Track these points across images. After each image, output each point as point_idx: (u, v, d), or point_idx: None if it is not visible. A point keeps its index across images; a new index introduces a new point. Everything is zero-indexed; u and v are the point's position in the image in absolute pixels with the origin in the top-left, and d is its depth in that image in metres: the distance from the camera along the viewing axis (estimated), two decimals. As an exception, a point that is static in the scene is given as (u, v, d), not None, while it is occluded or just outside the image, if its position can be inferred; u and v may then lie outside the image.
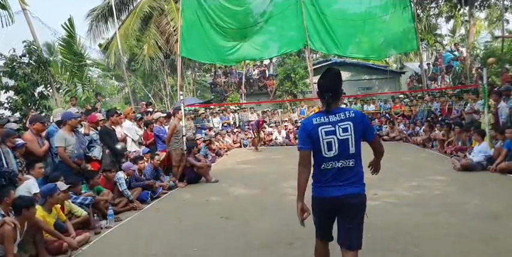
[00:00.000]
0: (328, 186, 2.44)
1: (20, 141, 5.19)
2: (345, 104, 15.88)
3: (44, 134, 5.96)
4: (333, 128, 2.36)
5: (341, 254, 2.51)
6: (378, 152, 2.65)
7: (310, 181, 2.55)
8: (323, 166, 2.42)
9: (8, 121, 5.18)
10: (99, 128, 6.75)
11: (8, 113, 10.07)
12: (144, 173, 6.72)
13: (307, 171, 2.48)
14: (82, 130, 6.44)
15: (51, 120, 7.26)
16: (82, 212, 4.69)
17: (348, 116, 2.38)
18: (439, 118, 11.75)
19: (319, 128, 2.37)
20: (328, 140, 2.36)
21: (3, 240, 3.38)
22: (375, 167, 2.84)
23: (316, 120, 2.40)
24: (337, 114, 2.38)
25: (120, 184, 5.79)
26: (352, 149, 2.38)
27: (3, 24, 10.72)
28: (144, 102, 12.77)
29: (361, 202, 2.48)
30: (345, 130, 2.35)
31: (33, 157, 5.32)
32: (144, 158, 6.93)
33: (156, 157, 7.09)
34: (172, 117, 8.10)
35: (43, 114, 9.67)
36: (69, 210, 4.59)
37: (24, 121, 8.38)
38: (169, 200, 6.48)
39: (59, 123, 6.16)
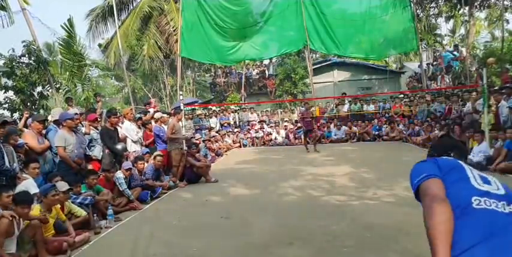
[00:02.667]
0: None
1: (21, 141, 5.19)
2: (344, 104, 15.89)
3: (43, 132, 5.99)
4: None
5: None
6: None
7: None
8: (475, 206, 1.33)
9: (6, 122, 5.19)
10: (99, 128, 6.75)
11: (7, 113, 10.06)
12: (144, 174, 6.72)
13: (446, 208, 1.32)
14: (83, 129, 6.44)
15: (49, 120, 7.25)
16: (82, 212, 4.68)
17: None
18: (441, 118, 11.80)
19: None
20: None
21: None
22: None
23: None
24: None
25: (120, 184, 5.79)
26: None
27: (3, 24, 10.73)
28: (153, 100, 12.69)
29: None
30: None
31: (32, 155, 5.33)
32: (144, 159, 6.93)
33: (159, 157, 7.08)
34: (172, 116, 8.12)
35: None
36: (69, 210, 4.58)
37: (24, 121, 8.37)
38: (169, 200, 6.48)
39: (58, 123, 6.17)
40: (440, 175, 1.48)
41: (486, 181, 1.46)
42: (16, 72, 9.86)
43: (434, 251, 1.22)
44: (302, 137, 12.90)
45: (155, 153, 7.29)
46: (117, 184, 5.81)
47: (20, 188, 4.45)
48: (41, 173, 5.21)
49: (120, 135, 7.28)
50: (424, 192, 1.44)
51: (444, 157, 1.68)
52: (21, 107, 9.72)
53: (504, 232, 1.22)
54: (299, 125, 14.72)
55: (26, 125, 6.49)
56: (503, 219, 1.27)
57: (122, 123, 7.72)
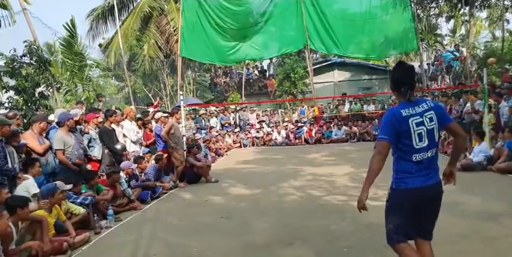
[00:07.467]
0: (420, 175, 2.41)
1: (22, 141, 5.19)
2: (345, 104, 15.89)
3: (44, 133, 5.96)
4: (421, 119, 2.40)
5: (416, 246, 2.55)
6: (460, 136, 2.58)
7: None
8: (415, 157, 2.41)
9: (8, 117, 5.17)
10: (97, 129, 6.72)
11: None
12: (145, 173, 6.73)
13: (383, 163, 2.43)
14: (83, 128, 6.43)
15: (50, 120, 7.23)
16: (80, 210, 4.67)
17: (430, 106, 2.45)
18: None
19: (410, 120, 2.39)
20: (419, 131, 2.39)
21: None
22: (452, 173, 2.67)
23: (406, 112, 2.42)
24: (420, 105, 2.45)
25: (120, 183, 5.78)
26: (436, 138, 2.45)
27: (5, 24, 10.75)
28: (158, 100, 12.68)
29: (442, 191, 2.53)
30: (431, 119, 2.41)
31: (33, 155, 5.32)
32: (145, 158, 6.93)
33: (163, 157, 7.08)
34: (171, 116, 8.13)
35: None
36: (67, 209, 4.57)
37: (26, 121, 8.36)
38: (169, 200, 6.49)
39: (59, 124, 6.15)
40: (393, 138, 2.44)
41: (421, 138, 2.47)
42: (19, 71, 9.83)
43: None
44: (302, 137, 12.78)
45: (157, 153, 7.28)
46: (118, 183, 5.79)
47: (19, 188, 4.46)
48: (43, 173, 5.22)
49: (121, 135, 7.29)
50: (378, 147, 2.50)
51: (400, 117, 2.43)
52: (24, 107, 9.70)
53: None
54: (299, 124, 14.74)
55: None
56: None
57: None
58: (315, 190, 6.35)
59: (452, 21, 24.39)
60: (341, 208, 5.09)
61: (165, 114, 8.55)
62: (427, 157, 2.41)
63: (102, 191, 5.45)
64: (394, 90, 2.58)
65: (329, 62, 20.97)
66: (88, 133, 6.44)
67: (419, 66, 17.47)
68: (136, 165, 6.51)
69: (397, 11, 15.55)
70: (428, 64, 18.80)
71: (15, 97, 9.93)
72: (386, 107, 15.32)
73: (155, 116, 8.74)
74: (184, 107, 9.01)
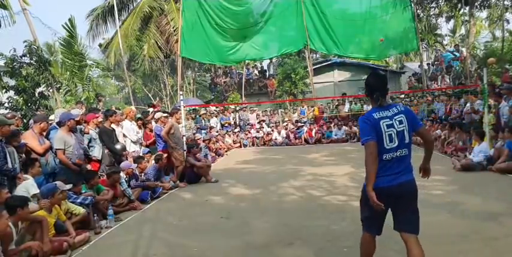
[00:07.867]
0: (388, 175, 2.60)
1: (22, 141, 5.18)
2: (345, 104, 15.90)
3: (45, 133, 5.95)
4: (391, 122, 2.61)
5: (404, 241, 2.73)
6: (427, 140, 2.89)
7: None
8: (385, 156, 2.60)
9: (7, 117, 5.15)
10: (97, 129, 6.72)
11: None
12: (145, 173, 6.73)
13: (377, 162, 2.59)
14: (82, 128, 6.42)
15: (51, 120, 7.23)
16: (80, 210, 4.67)
17: (399, 110, 2.67)
18: (442, 117, 11.78)
19: (381, 122, 2.60)
20: (389, 132, 2.59)
21: None
22: (426, 169, 2.93)
23: (377, 115, 2.63)
24: (390, 109, 2.66)
25: (120, 183, 5.79)
26: (407, 139, 2.64)
27: (5, 24, 10.75)
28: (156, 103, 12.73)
29: (416, 187, 2.73)
30: (400, 122, 2.62)
31: (33, 155, 5.31)
32: (145, 158, 6.93)
33: (163, 157, 7.08)
34: (170, 116, 8.13)
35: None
36: (67, 209, 4.57)
37: (26, 121, 8.36)
38: (169, 200, 6.49)
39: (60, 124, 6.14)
40: (375, 137, 2.58)
41: (391, 139, 2.65)
42: (21, 72, 9.83)
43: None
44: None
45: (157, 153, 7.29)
46: (119, 183, 5.79)
47: (19, 188, 4.46)
48: (43, 173, 5.21)
49: (121, 135, 7.29)
50: (368, 149, 2.60)
51: (373, 119, 2.63)
52: (24, 107, 9.70)
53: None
54: (299, 124, 14.74)
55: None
56: None
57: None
58: (315, 190, 6.35)
59: (452, 21, 24.42)
60: (341, 208, 5.09)
61: (165, 114, 8.54)
62: (396, 156, 2.60)
63: (102, 191, 5.45)
64: (367, 95, 2.81)
65: (329, 62, 20.98)
66: (88, 133, 6.43)
67: (419, 66, 17.49)
68: (136, 165, 6.53)
69: (397, 11, 15.56)
70: (428, 64, 18.81)
71: (15, 97, 9.93)
72: None
73: (155, 116, 8.74)
74: (184, 107, 9.01)
